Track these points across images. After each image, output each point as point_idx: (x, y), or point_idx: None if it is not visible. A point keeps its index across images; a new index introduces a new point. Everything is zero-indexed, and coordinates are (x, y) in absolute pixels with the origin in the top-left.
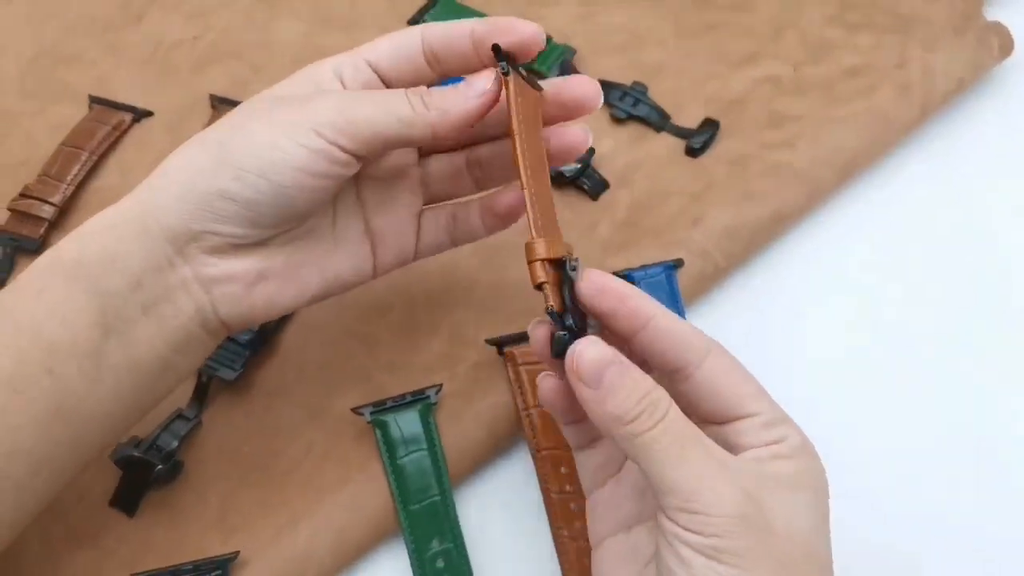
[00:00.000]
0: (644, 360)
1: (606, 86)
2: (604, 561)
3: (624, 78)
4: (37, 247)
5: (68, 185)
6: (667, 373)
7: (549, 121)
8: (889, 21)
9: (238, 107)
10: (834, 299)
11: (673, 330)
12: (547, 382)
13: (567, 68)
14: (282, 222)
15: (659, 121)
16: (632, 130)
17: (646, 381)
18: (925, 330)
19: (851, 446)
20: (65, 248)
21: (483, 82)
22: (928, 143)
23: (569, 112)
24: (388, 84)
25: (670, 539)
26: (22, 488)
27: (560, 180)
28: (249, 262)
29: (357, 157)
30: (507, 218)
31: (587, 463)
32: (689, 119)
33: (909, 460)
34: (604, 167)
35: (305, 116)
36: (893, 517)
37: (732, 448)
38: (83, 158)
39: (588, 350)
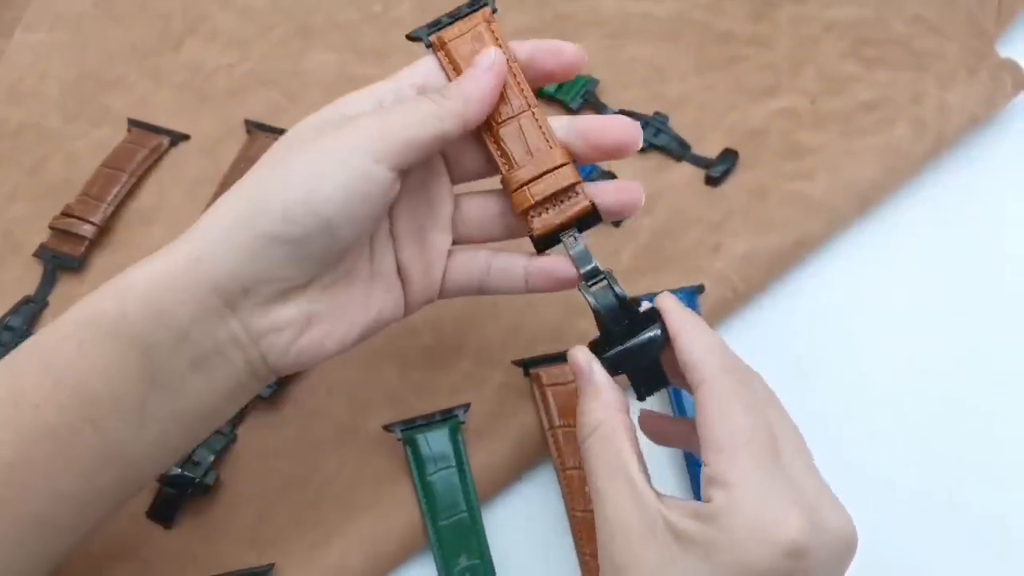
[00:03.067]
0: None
1: (629, 116)
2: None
3: (646, 109)
4: (78, 265)
5: (108, 205)
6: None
7: (584, 160)
8: (904, 57)
9: (275, 144)
10: (854, 324)
11: (685, 350)
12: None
13: (590, 99)
14: (330, 256)
15: (680, 151)
16: (653, 159)
17: (601, 399)
18: (944, 355)
19: (867, 464)
20: (107, 301)
21: (487, 57)
22: (943, 175)
23: (608, 154)
24: None
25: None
26: (65, 529)
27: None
28: (296, 308)
29: (398, 171)
30: (563, 283)
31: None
32: (709, 149)
33: (934, 483)
34: None
35: (346, 143)
36: (909, 533)
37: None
38: (123, 179)
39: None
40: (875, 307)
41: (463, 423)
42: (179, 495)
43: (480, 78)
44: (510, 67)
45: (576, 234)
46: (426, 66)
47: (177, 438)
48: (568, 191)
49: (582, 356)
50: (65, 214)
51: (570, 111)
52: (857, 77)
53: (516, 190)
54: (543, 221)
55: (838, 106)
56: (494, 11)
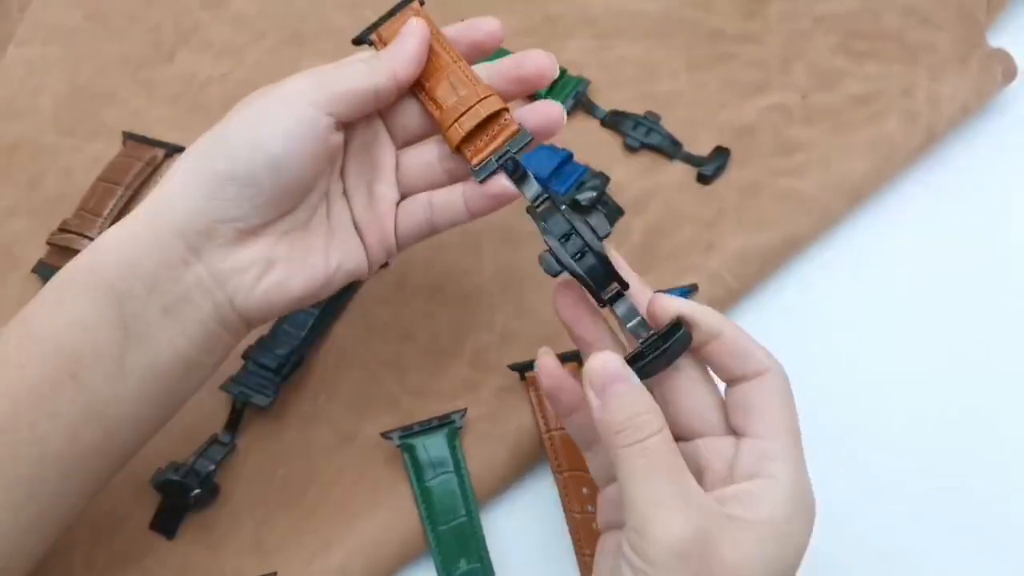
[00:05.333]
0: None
1: (620, 116)
2: (599, 551)
3: (638, 109)
4: None
5: (105, 219)
6: (726, 379)
7: (510, 96)
8: (894, 50)
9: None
10: (847, 319)
11: (736, 346)
12: (547, 359)
13: (581, 100)
14: (281, 197)
15: (672, 149)
16: (646, 159)
17: (642, 402)
18: (940, 347)
19: (864, 462)
20: (82, 260)
21: (410, 25)
22: (935, 167)
23: (529, 83)
24: None
25: (623, 554)
26: (54, 494)
27: (576, 208)
28: (256, 250)
29: (337, 121)
30: (500, 198)
31: (594, 461)
32: (701, 147)
33: (930, 476)
34: (619, 195)
35: (284, 92)
36: (903, 525)
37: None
38: (119, 193)
39: (598, 360)
40: (869, 302)
41: (460, 428)
42: (181, 506)
43: (407, 40)
44: (437, 37)
45: (514, 157)
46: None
47: (156, 396)
48: (496, 119)
49: (612, 360)
50: (63, 229)
51: None
52: (848, 71)
53: (449, 127)
54: (476, 150)
55: (829, 101)
56: (422, 3)
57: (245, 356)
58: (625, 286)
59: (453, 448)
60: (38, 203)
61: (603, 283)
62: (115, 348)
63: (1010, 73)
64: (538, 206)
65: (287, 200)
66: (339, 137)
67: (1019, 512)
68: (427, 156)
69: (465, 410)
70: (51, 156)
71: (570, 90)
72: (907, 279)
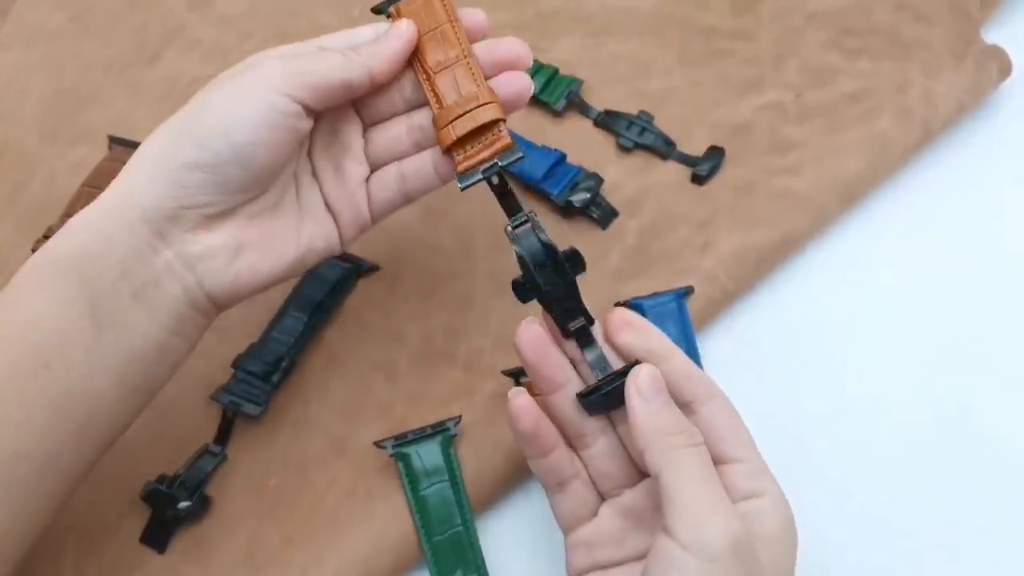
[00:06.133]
0: None
1: (614, 116)
2: None
3: (631, 107)
4: None
5: None
6: (678, 404)
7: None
8: (888, 46)
9: (196, 94)
10: (844, 319)
11: (688, 369)
12: (521, 399)
13: (575, 99)
14: (248, 183)
15: (666, 149)
16: (639, 158)
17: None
18: (932, 345)
19: (858, 462)
20: (52, 246)
21: (399, 26)
22: (932, 165)
23: (501, 68)
24: None
25: (669, 559)
26: (30, 491)
27: (570, 209)
28: (226, 234)
29: (307, 109)
30: None
31: (560, 506)
32: (695, 146)
33: (926, 479)
34: (613, 196)
35: (255, 78)
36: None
37: None
38: None
39: (647, 370)
40: (863, 302)
41: (455, 436)
42: (171, 519)
43: (391, 41)
44: (452, 25)
45: (499, 165)
46: (341, 35)
47: (129, 382)
48: (491, 127)
49: (652, 371)
50: (47, 236)
51: (554, 113)
52: (841, 68)
53: (443, 127)
54: (466, 156)
55: (823, 99)
56: None
57: (235, 364)
58: (591, 321)
59: (448, 456)
60: (22, 210)
61: (571, 314)
62: (87, 336)
63: (1006, 69)
64: (516, 226)
65: (255, 186)
66: (308, 124)
67: (1012, 511)
68: (395, 130)
69: (460, 417)
70: (35, 162)
71: (563, 90)
72: (901, 278)
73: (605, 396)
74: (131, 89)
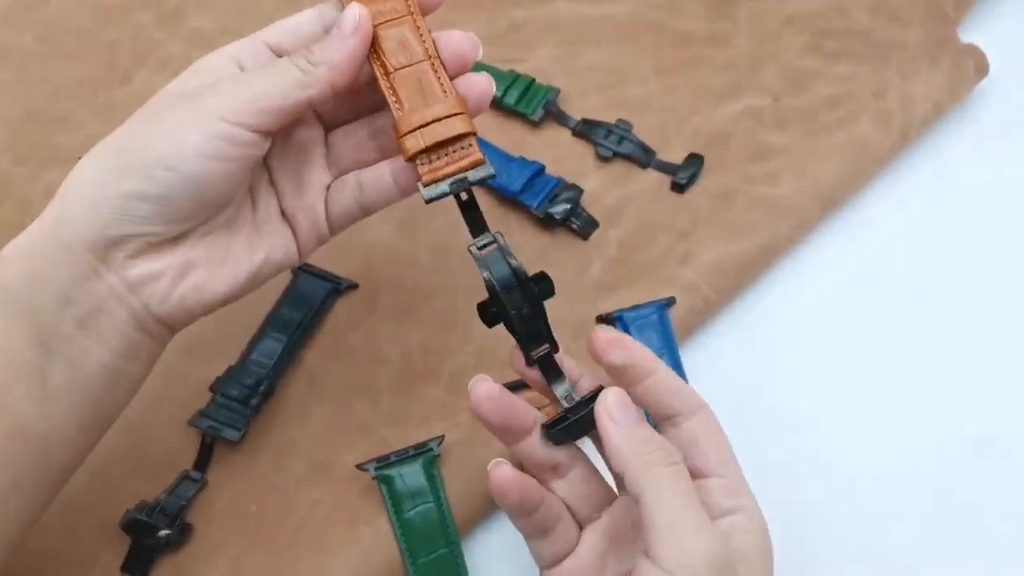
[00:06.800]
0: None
1: (592, 125)
2: None
3: (608, 116)
4: None
5: None
6: (658, 419)
7: None
8: (865, 48)
9: (139, 110)
10: (827, 325)
11: (672, 383)
12: (501, 471)
13: (552, 109)
14: (199, 212)
15: (645, 158)
16: (619, 168)
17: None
18: (917, 351)
19: (840, 469)
20: None
21: (350, 18)
22: (911, 168)
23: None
24: None
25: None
26: None
27: (550, 221)
28: (172, 257)
29: (263, 133)
30: None
31: (543, 550)
32: (674, 154)
33: (914, 482)
34: (593, 206)
35: (204, 105)
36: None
37: None
38: None
39: (614, 393)
40: (848, 307)
41: (438, 456)
42: (152, 547)
43: (346, 42)
44: (414, 20)
45: (468, 186)
46: (283, 26)
47: (86, 409)
48: (460, 140)
49: (620, 394)
50: None
51: (532, 123)
52: (818, 72)
53: (406, 134)
54: (432, 168)
55: (801, 103)
56: None
57: (213, 388)
58: (556, 348)
59: (431, 477)
60: None
61: (537, 340)
62: (33, 366)
63: (983, 69)
64: (483, 247)
65: (207, 212)
66: (266, 145)
67: (1007, 511)
68: (360, 132)
69: (443, 437)
70: (6, 186)
71: (540, 100)
72: (884, 283)
73: (573, 425)
74: (103, 110)
